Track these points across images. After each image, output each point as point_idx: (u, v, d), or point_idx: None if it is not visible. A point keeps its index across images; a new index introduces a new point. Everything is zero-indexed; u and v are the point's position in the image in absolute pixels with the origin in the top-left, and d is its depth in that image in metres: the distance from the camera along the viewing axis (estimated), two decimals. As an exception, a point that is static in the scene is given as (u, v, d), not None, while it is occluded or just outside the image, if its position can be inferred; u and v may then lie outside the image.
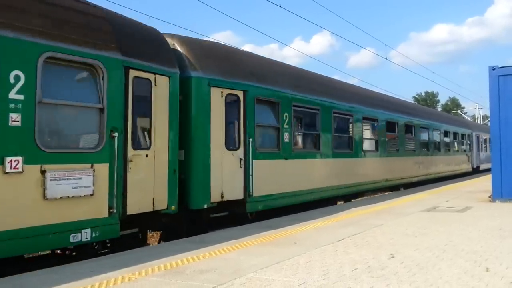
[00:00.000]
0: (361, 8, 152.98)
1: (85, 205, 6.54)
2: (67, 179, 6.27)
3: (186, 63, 9.08)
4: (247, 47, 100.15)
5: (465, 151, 29.06)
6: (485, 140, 34.52)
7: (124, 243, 7.43)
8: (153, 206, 7.79)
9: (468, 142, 29.98)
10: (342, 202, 14.75)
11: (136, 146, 7.57)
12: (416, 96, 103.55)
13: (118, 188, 7.02)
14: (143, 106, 7.79)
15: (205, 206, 9.01)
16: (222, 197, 9.34)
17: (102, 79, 6.90)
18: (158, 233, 9.95)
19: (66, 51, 6.41)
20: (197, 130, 8.99)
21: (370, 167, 16.15)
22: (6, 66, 5.69)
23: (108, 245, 7.56)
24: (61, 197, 6.17)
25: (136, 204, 7.42)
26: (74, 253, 7.06)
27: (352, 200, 15.30)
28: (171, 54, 8.61)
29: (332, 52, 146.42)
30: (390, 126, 18.19)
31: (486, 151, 34.29)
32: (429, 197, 14.77)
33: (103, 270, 5.66)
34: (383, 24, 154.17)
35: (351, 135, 15.13)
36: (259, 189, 10.27)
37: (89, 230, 6.56)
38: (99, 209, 6.75)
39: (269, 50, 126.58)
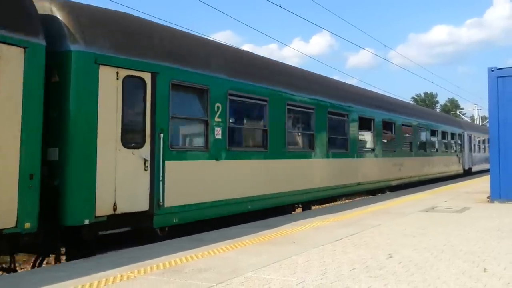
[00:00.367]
0: (360, 8, 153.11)
1: None
2: None
3: (64, 33, 6.97)
4: (246, 47, 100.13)
5: (455, 151, 27.09)
6: (479, 140, 33.07)
7: None
8: None
9: (459, 142, 28.00)
10: (300, 210, 12.93)
11: None
12: (415, 97, 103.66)
13: None
14: None
15: (87, 222, 6.84)
16: (115, 209, 7.21)
17: None
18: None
19: None
20: (78, 121, 6.92)
21: (337, 170, 14.03)
22: None
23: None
24: None
25: None
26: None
27: (327, 205, 14.07)
28: (31, 18, 6.45)
29: (331, 52, 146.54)
30: (365, 123, 16.08)
31: (480, 151, 33.03)
32: (427, 197, 14.79)
33: (102, 268, 5.66)
34: (382, 24, 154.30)
35: (312, 132, 12.86)
36: (175, 198, 8.23)
37: None
38: None
39: (268, 50, 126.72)
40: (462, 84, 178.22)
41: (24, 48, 6.19)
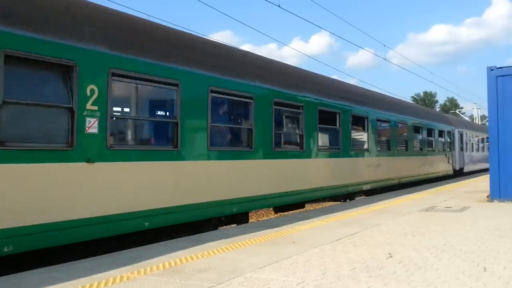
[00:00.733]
0: (359, 8, 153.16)
1: None
2: None
3: None
4: (246, 47, 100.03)
5: (443, 150, 24.59)
6: (472, 139, 30.91)
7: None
8: None
9: (449, 140, 25.55)
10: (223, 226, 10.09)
11: None
12: (415, 96, 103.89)
13: None
14: None
15: None
16: None
17: None
18: None
19: None
20: None
21: (285, 173, 11.31)
22: None
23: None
24: None
25: None
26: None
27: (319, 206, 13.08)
28: None
29: (330, 52, 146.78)
30: (328, 117, 13.41)
31: (472, 150, 30.90)
32: (427, 196, 14.79)
33: (101, 269, 5.65)
34: (381, 24, 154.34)
35: (241, 125, 10.35)
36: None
37: None
38: None
39: (268, 50, 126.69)
40: (461, 83, 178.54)
41: None
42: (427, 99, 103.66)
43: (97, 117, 6.90)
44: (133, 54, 7.59)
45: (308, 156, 12.34)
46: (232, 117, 10.49)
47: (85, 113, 6.73)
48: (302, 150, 12.05)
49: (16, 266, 6.14)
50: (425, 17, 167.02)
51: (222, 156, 9.45)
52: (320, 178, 12.84)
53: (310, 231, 8.41)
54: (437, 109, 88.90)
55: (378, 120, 16.81)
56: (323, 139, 13.42)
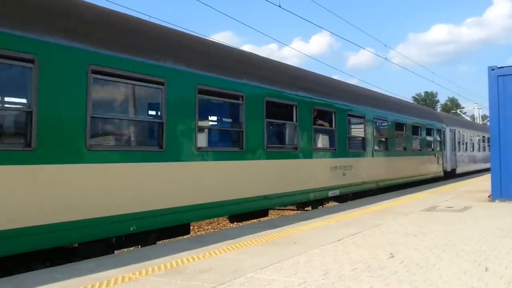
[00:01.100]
0: (360, 8, 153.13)
1: None
2: None
3: None
4: (246, 48, 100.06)
5: (432, 150, 22.34)
6: (466, 137, 28.39)
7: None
8: None
9: (439, 138, 23.31)
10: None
11: None
12: (416, 96, 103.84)
13: None
14: None
15: None
16: None
17: None
18: None
19: None
20: None
21: (229, 178, 9.38)
22: None
23: None
24: None
25: None
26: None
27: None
28: None
29: (331, 52, 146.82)
30: (282, 110, 11.54)
31: (466, 150, 28.53)
32: (428, 196, 14.79)
33: (103, 269, 5.66)
34: (382, 24, 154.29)
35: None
36: None
37: None
38: None
39: (268, 51, 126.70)
40: (462, 83, 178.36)
41: None
42: (428, 99, 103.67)
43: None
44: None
45: (250, 157, 10.03)
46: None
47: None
48: (241, 150, 9.78)
49: (16, 266, 6.19)
50: (425, 17, 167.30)
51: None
52: (264, 184, 10.42)
53: (311, 232, 8.41)
54: (438, 109, 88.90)
55: (350, 115, 14.65)
56: (273, 136, 11.66)
